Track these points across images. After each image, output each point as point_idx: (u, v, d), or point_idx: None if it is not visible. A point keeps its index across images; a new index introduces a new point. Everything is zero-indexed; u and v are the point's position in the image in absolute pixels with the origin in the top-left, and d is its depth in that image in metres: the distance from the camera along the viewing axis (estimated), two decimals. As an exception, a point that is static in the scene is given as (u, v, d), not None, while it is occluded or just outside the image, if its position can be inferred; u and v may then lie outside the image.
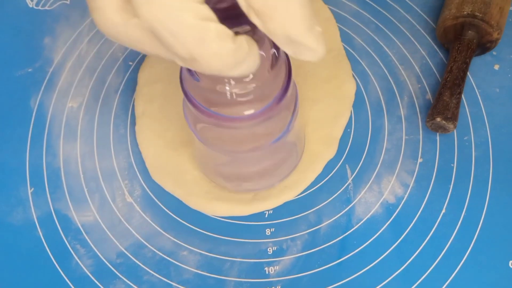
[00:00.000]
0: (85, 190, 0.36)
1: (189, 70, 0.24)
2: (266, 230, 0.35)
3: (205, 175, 0.35)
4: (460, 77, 0.36)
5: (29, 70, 0.41)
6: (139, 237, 0.34)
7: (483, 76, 0.40)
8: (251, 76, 0.23)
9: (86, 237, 0.34)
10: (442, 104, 0.35)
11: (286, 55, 0.26)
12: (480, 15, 0.37)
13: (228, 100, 0.24)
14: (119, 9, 0.20)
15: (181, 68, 0.25)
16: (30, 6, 0.43)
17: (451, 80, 0.36)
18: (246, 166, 0.32)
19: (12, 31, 0.42)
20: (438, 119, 0.35)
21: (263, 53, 0.23)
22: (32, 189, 0.36)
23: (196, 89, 0.25)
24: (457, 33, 0.38)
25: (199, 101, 0.25)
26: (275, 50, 0.25)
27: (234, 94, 0.24)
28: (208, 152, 0.31)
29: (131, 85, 0.40)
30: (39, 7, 0.43)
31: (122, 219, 0.35)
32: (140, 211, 0.35)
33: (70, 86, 0.40)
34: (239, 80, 0.23)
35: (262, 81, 0.24)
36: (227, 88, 0.24)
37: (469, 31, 0.38)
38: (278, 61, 0.25)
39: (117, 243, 0.34)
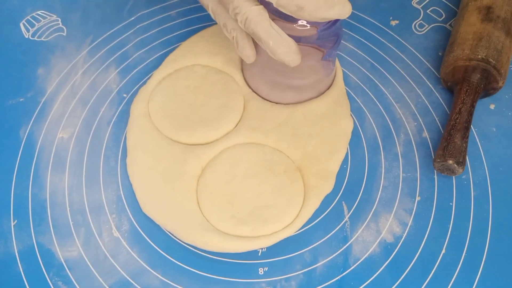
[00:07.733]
0: (71, 223, 0.34)
1: None
2: (259, 269, 0.33)
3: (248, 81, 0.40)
4: (468, 120, 0.36)
5: (21, 99, 0.40)
6: (125, 275, 0.33)
7: (479, 115, 0.40)
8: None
9: (69, 274, 0.32)
10: (454, 146, 0.35)
11: None
12: (493, 62, 0.37)
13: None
14: None
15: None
16: (26, 36, 0.43)
17: (460, 122, 0.36)
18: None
19: (5, 61, 0.42)
20: (450, 162, 0.34)
21: None
22: (15, 221, 0.34)
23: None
24: (466, 75, 0.38)
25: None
26: None
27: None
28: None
29: (124, 118, 0.39)
30: (35, 38, 0.43)
31: (108, 255, 0.33)
32: (127, 246, 0.34)
33: (62, 117, 0.39)
34: None
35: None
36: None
37: (478, 75, 0.38)
38: None
39: (101, 281, 0.32)
